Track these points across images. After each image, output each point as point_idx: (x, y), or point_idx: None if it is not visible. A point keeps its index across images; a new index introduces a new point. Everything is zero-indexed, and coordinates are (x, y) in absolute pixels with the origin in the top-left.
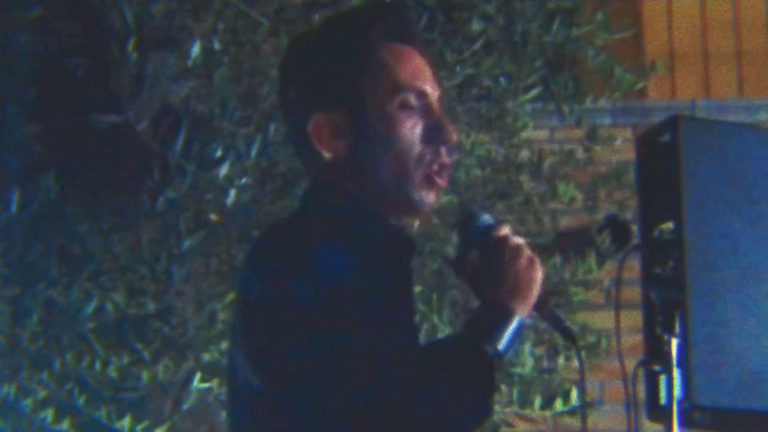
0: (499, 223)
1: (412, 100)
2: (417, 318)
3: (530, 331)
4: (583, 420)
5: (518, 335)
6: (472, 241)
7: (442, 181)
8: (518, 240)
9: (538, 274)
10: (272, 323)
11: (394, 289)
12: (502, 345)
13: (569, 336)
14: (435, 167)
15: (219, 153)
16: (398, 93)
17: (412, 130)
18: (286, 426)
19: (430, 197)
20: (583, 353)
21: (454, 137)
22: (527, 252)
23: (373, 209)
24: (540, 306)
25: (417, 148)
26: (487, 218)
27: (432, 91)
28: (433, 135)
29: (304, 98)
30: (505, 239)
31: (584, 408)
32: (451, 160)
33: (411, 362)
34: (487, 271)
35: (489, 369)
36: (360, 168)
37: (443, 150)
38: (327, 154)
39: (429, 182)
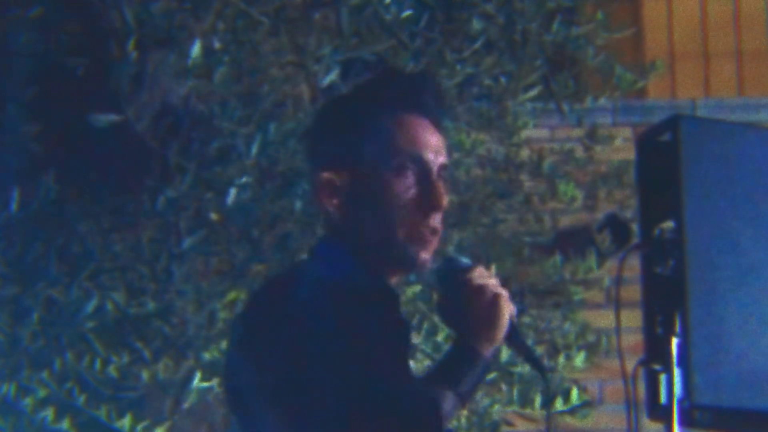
0: (470, 266)
1: (408, 164)
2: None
3: (530, 331)
4: None
5: (484, 374)
6: (446, 283)
7: (433, 240)
8: (483, 280)
9: (503, 311)
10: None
11: (376, 345)
12: (464, 387)
13: (539, 368)
14: (423, 231)
15: (219, 152)
16: (395, 157)
17: (403, 194)
18: None
19: (421, 254)
20: (549, 376)
21: (445, 203)
22: (491, 291)
23: (366, 266)
24: (511, 338)
25: (406, 211)
26: (461, 261)
27: (432, 158)
28: (425, 200)
29: (313, 155)
30: (468, 280)
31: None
32: (440, 226)
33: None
34: (456, 312)
35: (441, 414)
36: (354, 226)
37: (433, 216)
38: (330, 209)
39: (418, 241)
